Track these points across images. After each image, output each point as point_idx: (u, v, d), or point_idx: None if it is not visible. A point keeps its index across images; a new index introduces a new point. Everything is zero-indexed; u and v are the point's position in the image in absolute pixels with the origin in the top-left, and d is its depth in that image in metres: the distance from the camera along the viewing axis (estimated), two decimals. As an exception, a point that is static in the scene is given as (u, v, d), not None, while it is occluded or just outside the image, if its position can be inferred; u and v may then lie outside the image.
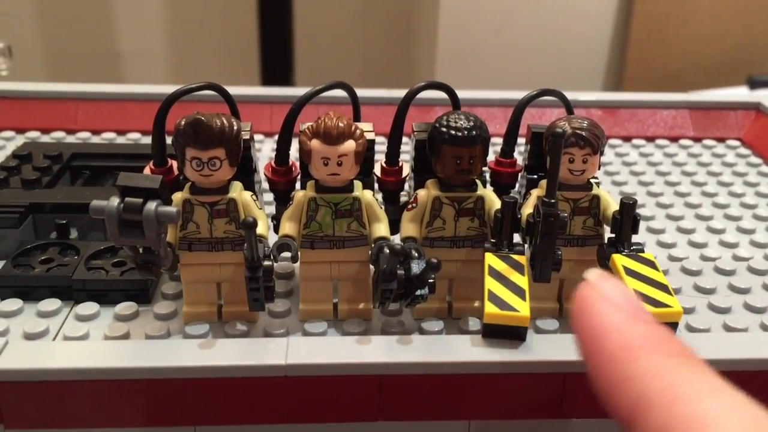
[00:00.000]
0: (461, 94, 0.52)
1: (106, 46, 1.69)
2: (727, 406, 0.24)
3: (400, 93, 0.50)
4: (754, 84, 1.52)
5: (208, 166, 0.43)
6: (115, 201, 0.40)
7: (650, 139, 0.80)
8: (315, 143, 0.44)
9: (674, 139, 0.81)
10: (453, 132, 0.45)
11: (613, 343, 0.28)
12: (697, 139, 0.81)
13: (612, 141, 0.79)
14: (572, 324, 0.31)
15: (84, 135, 0.76)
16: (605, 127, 0.47)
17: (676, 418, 0.24)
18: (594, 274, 0.31)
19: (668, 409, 0.24)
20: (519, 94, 0.75)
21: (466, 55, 1.60)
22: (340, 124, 0.44)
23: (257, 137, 0.75)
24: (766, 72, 1.67)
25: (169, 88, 0.48)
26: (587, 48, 1.70)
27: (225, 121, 0.43)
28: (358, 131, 0.45)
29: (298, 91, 0.77)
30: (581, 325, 0.29)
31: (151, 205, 0.40)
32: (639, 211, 0.50)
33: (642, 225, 0.57)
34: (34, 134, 0.75)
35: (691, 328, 0.48)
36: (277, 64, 1.48)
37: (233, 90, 0.50)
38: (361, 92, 0.53)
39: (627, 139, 0.80)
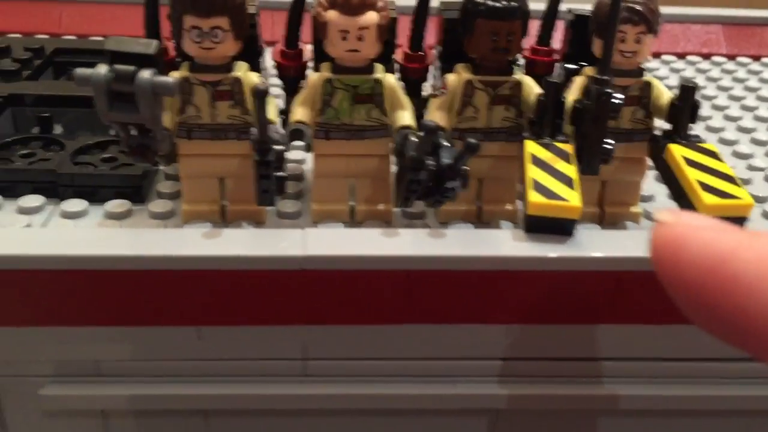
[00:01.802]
0: None
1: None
2: None
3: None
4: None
5: (210, 38, 0.38)
6: (103, 68, 0.34)
7: (681, 55, 0.75)
8: (332, 14, 0.39)
9: (706, 56, 0.75)
10: (490, 3, 0.39)
11: (751, 261, 0.22)
12: (731, 57, 0.75)
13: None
14: (662, 273, 0.25)
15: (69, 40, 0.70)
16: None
17: None
18: (666, 214, 0.25)
19: None
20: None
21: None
22: (362, -7, 0.38)
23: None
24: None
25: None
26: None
27: (229, -15, 0.38)
28: (380, 2, 0.39)
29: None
30: (682, 265, 0.23)
31: (145, 73, 0.34)
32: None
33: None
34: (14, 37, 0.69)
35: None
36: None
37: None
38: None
39: (656, 55, 0.75)
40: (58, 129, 0.50)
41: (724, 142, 0.57)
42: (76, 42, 0.62)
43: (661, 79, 0.69)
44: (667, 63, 0.73)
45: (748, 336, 0.22)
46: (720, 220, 0.25)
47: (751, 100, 0.65)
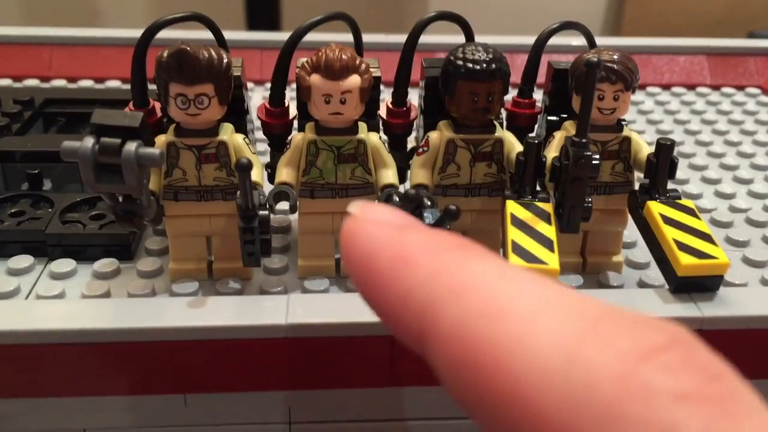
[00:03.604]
0: (457, 40, 0.46)
1: (85, 2, 1.62)
2: (520, 288, 0.21)
3: (399, 38, 0.45)
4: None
5: (195, 104, 0.38)
6: (89, 141, 0.35)
7: (666, 86, 0.76)
8: (315, 78, 0.39)
9: (691, 87, 0.76)
10: (470, 65, 0.40)
11: (386, 257, 0.24)
12: (715, 87, 0.76)
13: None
14: (343, 260, 0.27)
15: (59, 83, 0.70)
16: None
17: (467, 312, 0.21)
18: (356, 206, 0.27)
19: (456, 305, 0.21)
20: (520, 40, 0.71)
21: (459, 5, 1.54)
22: (344, 57, 0.39)
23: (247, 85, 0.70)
24: (767, 27, 1.62)
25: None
26: (585, 2, 1.64)
27: (213, 53, 0.38)
28: (363, 65, 0.40)
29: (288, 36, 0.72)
30: (351, 256, 0.25)
31: (131, 146, 0.35)
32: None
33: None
34: (4, 82, 0.69)
35: (726, 283, 0.44)
36: (263, 10, 1.41)
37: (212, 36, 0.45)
38: (347, 37, 0.47)
39: (641, 87, 0.75)
40: (47, 182, 0.50)
41: (706, 180, 0.57)
42: (66, 91, 0.62)
43: (645, 112, 0.70)
44: (652, 95, 0.74)
45: (387, 324, 0.24)
46: (398, 212, 0.26)
47: (734, 135, 0.66)
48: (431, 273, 0.23)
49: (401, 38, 0.45)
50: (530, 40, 0.46)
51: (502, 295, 0.21)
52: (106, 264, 0.43)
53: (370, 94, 0.41)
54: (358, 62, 0.40)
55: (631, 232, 0.47)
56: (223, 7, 1.59)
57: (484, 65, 0.40)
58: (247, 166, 0.35)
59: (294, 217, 0.49)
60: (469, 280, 0.22)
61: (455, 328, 0.21)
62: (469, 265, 0.23)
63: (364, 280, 0.25)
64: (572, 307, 0.21)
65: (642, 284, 0.43)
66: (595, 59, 0.36)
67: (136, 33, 0.72)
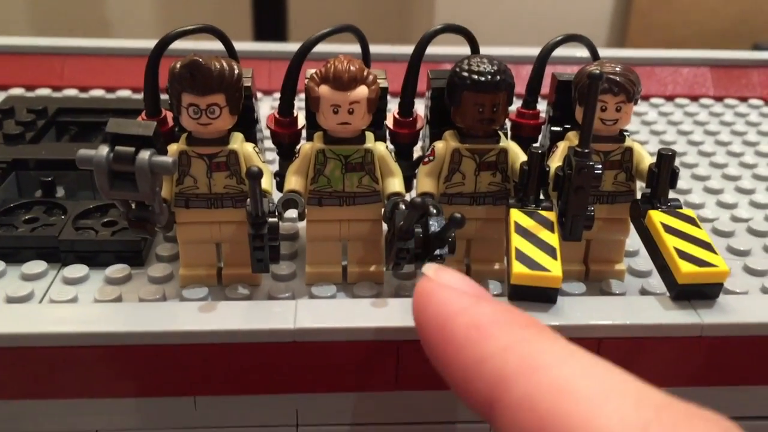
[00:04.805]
0: (461, 50, 0.47)
1: (94, 13, 1.64)
2: (588, 370, 0.24)
3: (403, 49, 0.45)
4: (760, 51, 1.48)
5: (207, 114, 0.39)
6: (104, 150, 0.36)
7: (669, 98, 0.76)
8: (324, 89, 0.40)
9: (694, 98, 0.77)
10: (475, 77, 0.41)
11: (462, 326, 0.26)
12: (718, 98, 0.77)
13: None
14: (415, 318, 0.29)
15: (71, 92, 0.71)
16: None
17: (537, 387, 0.24)
18: (431, 268, 0.30)
19: (528, 379, 0.24)
20: (524, 51, 0.72)
21: (465, 15, 1.55)
22: (352, 68, 0.40)
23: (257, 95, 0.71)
24: (773, 39, 1.63)
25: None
26: (590, 15, 1.65)
27: (225, 64, 0.39)
28: (371, 76, 0.41)
29: (296, 47, 0.73)
30: (425, 316, 0.28)
31: (145, 154, 0.36)
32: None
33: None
34: (17, 91, 0.70)
35: (726, 291, 0.44)
36: (270, 21, 1.42)
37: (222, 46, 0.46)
38: (355, 48, 0.48)
39: (645, 98, 0.76)
40: (60, 190, 0.51)
41: (708, 190, 0.58)
42: (78, 101, 0.63)
43: (649, 123, 0.71)
44: (655, 106, 0.75)
45: (455, 390, 0.26)
46: (471, 281, 0.29)
47: (737, 145, 0.66)
48: (505, 345, 0.25)
49: (406, 49, 0.46)
50: (534, 51, 0.47)
51: (572, 375, 0.23)
52: (117, 270, 0.44)
53: (377, 105, 0.42)
54: (365, 73, 0.41)
55: (633, 240, 0.47)
56: (231, 17, 1.61)
57: (489, 77, 0.41)
58: (258, 174, 0.36)
59: (301, 225, 0.49)
60: (541, 358, 0.24)
61: (527, 401, 0.23)
62: (540, 343, 0.25)
63: (438, 344, 0.27)
64: (636, 394, 0.23)
65: (644, 292, 0.44)
66: (598, 71, 0.37)
67: (146, 43, 0.74)
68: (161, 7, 1.68)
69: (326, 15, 1.69)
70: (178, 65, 0.39)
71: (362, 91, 0.40)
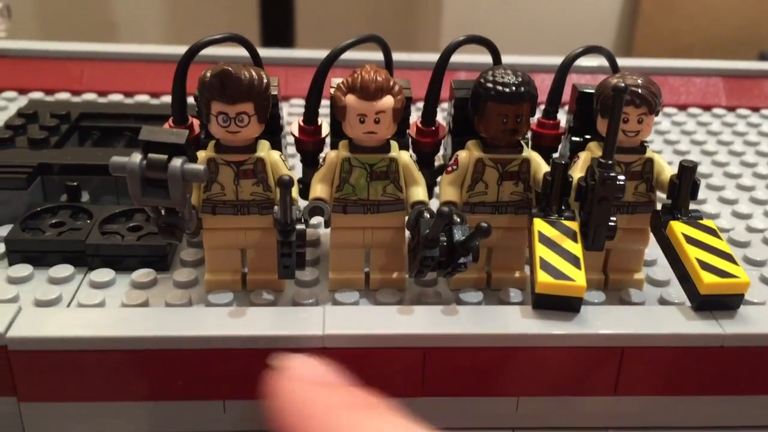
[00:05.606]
0: (480, 59, 0.47)
1: (101, 15, 1.64)
2: None
3: (421, 56, 0.46)
4: (766, 59, 1.48)
5: (236, 122, 0.40)
6: (137, 157, 0.36)
7: (682, 107, 0.77)
8: (350, 99, 0.41)
9: (707, 108, 0.77)
10: (500, 88, 0.41)
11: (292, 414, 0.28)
12: (730, 108, 0.77)
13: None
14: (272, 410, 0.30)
15: (90, 96, 0.72)
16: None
17: None
18: (281, 361, 0.30)
19: None
20: (538, 60, 0.73)
21: (471, 21, 1.55)
22: (378, 78, 0.41)
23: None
24: (779, 47, 1.64)
25: (177, 49, 0.44)
26: (596, 21, 1.66)
27: (254, 74, 0.40)
28: (396, 86, 0.42)
29: (310, 53, 0.73)
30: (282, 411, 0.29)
31: (177, 162, 0.36)
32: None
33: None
34: (37, 95, 0.71)
35: (744, 302, 0.45)
36: (277, 27, 1.43)
37: (244, 52, 0.46)
38: (376, 55, 0.48)
39: (658, 107, 0.77)
40: (84, 194, 0.52)
41: (723, 201, 0.59)
42: (99, 106, 0.64)
43: (663, 133, 0.72)
44: (668, 115, 0.76)
45: None
46: (318, 367, 0.30)
47: (750, 156, 0.67)
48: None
49: (423, 56, 0.46)
50: (544, 59, 0.48)
51: None
52: (143, 274, 0.45)
53: (402, 114, 0.42)
54: (391, 84, 0.41)
55: (651, 250, 0.48)
56: (239, 23, 1.62)
57: (513, 88, 0.41)
58: (290, 183, 0.36)
59: (323, 232, 0.50)
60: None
61: None
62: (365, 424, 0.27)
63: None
64: None
65: (662, 301, 0.45)
66: (622, 85, 0.38)
67: (163, 49, 0.75)
68: (168, 11, 1.69)
69: (334, 21, 1.70)
70: (208, 74, 0.40)
71: (388, 101, 0.41)
